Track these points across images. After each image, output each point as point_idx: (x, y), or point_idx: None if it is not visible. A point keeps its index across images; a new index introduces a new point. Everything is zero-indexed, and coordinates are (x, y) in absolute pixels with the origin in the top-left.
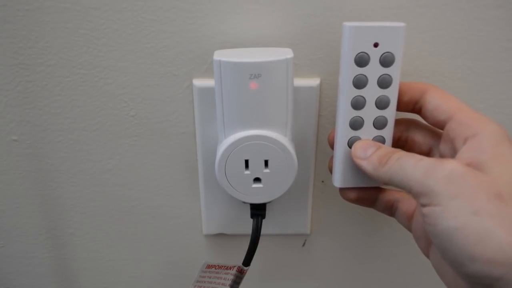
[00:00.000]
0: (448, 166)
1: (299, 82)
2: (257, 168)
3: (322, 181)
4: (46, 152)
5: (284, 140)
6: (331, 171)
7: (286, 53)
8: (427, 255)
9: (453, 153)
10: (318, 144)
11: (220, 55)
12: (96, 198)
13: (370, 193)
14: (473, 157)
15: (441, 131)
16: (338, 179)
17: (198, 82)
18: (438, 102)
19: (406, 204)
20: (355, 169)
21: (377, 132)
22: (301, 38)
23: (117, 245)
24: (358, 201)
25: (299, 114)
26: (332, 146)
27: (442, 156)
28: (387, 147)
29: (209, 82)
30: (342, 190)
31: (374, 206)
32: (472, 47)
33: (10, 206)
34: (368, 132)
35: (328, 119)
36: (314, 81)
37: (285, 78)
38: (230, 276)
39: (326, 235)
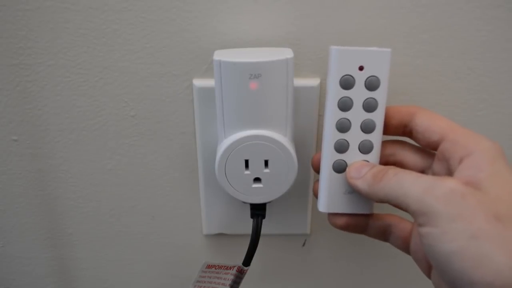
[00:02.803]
0: (448, 184)
1: (299, 82)
2: (257, 168)
3: None
4: (46, 152)
5: (284, 140)
6: (316, 195)
7: (286, 53)
8: (429, 276)
9: (448, 173)
10: (318, 144)
11: (220, 55)
12: (96, 198)
13: (360, 219)
14: (470, 175)
15: (432, 151)
16: (323, 203)
17: (198, 82)
18: (429, 123)
19: (400, 227)
20: (342, 193)
21: (363, 157)
22: (301, 38)
23: (117, 245)
24: (348, 227)
25: (299, 114)
26: (315, 169)
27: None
28: (381, 166)
29: (209, 82)
30: (330, 216)
31: (365, 232)
32: (472, 47)
33: (10, 206)
34: (353, 156)
35: None
36: (314, 81)
37: (285, 78)
38: (230, 276)
39: (326, 235)
